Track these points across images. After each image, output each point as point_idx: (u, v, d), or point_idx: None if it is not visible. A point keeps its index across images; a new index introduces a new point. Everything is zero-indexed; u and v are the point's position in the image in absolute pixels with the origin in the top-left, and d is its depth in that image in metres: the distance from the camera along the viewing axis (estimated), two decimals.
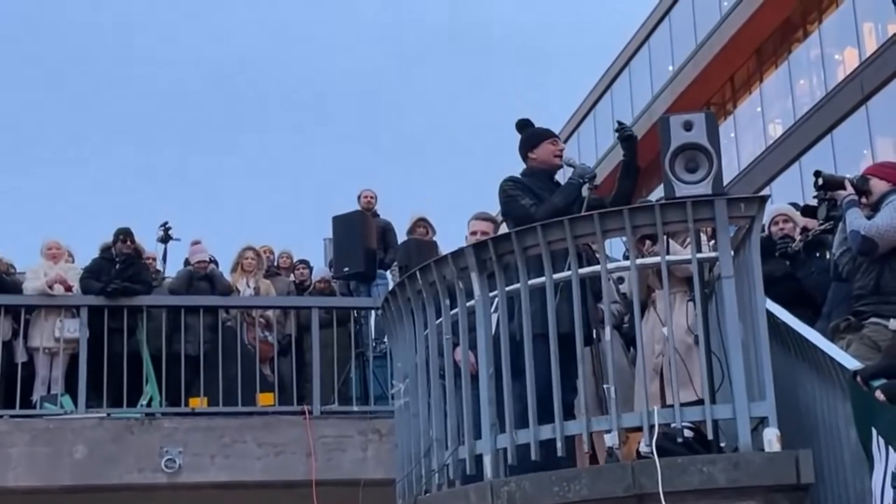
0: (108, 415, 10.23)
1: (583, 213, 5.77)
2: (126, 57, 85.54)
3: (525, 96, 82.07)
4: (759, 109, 30.30)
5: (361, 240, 11.31)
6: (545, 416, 5.54)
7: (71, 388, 10.37)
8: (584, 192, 6.43)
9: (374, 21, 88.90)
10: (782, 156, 28.01)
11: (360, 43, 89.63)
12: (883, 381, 4.81)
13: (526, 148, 6.93)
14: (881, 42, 24.89)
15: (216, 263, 11.75)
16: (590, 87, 38.05)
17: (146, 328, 10.68)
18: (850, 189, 6.22)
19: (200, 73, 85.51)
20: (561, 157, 6.89)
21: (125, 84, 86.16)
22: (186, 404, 10.48)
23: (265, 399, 10.64)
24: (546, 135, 6.97)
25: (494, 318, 5.93)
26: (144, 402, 10.49)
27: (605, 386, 5.58)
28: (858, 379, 4.97)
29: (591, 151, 36.69)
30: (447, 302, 6.04)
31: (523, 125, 7.02)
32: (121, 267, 10.67)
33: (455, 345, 6.04)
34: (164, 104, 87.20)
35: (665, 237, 5.72)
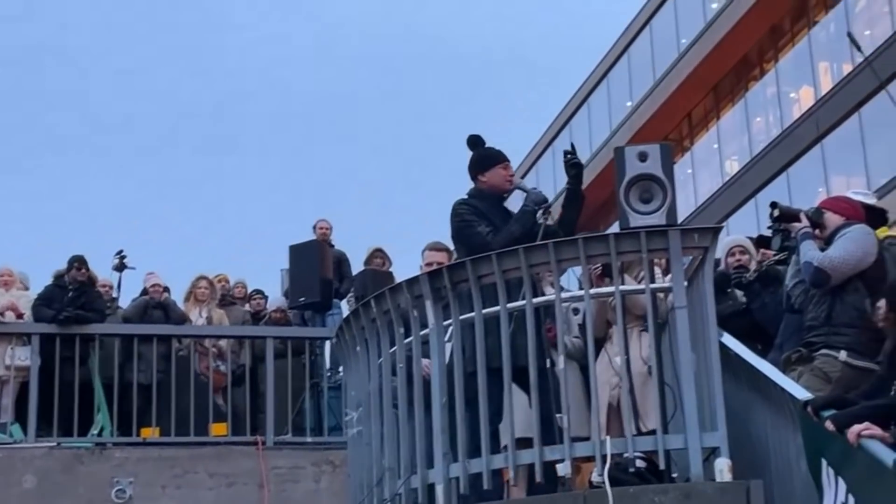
0: (59, 444, 10.10)
1: (538, 242, 5.76)
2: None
3: (515, 104, 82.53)
4: (716, 146, 30.57)
5: (317, 269, 11.27)
6: (498, 446, 5.53)
7: (21, 416, 10.24)
8: (539, 219, 6.40)
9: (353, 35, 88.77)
10: (739, 192, 28.25)
11: (349, 54, 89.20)
12: (833, 411, 4.83)
13: (476, 169, 6.79)
14: (836, 81, 25.19)
15: (168, 292, 11.67)
16: (549, 120, 38.24)
17: (98, 356, 10.56)
18: (805, 221, 6.27)
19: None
20: (512, 181, 6.80)
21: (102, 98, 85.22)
22: (138, 434, 10.37)
23: (218, 429, 10.56)
24: (498, 158, 6.82)
25: (449, 346, 5.90)
26: (95, 432, 10.36)
27: (557, 416, 5.57)
28: (809, 409, 5.00)
29: (550, 185, 36.83)
30: (402, 330, 6.02)
31: (474, 142, 6.86)
32: (74, 294, 10.57)
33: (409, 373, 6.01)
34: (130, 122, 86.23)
35: (621, 273, 5.74)
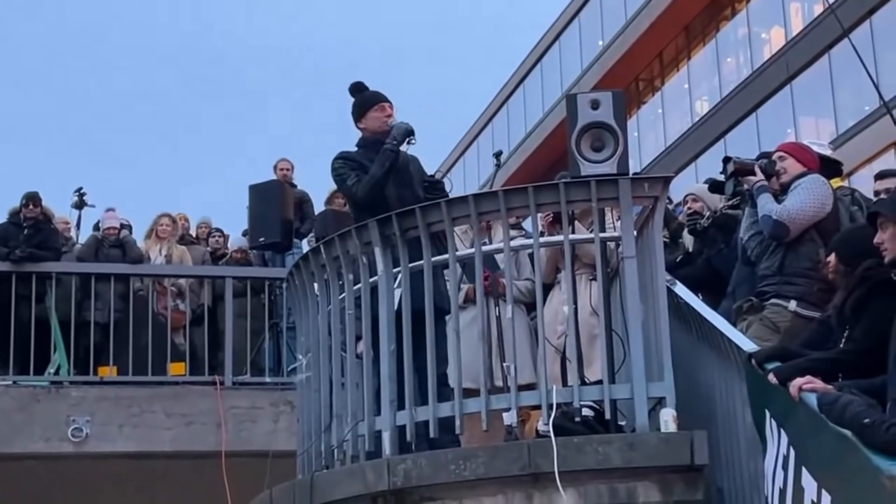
0: (15, 382, 10.03)
1: (487, 191, 5.71)
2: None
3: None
4: (686, 86, 30.49)
5: (278, 210, 11.16)
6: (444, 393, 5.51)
7: None
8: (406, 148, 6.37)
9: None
10: (708, 133, 28.23)
11: None
12: (777, 363, 4.83)
13: (355, 117, 6.65)
14: (807, 22, 25.13)
15: (129, 229, 11.53)
16: (520, 60, 38.01)
17: (55, 295, 10.45)
18: (760, 175, 6.25)
19: None
20: (387, 122, 6.54)
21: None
22: (95, 373, 10.30)
23: (176, 369, 10.48)
24: (371, 101, 6.62)
25: (397, 293, 5.85)
26: (52, 370, 10.28)
27: (504, 364, 5.55)
28: (753, 361, 4.99)
29: (521, 126, 36.75)
30: (350, 277, 5.97)
31: (355, 90, 6.67)
32: (29, 232, 10.43)
33: (358, 319, 5.97)
34: None
35: (573, 221, 5.70)
